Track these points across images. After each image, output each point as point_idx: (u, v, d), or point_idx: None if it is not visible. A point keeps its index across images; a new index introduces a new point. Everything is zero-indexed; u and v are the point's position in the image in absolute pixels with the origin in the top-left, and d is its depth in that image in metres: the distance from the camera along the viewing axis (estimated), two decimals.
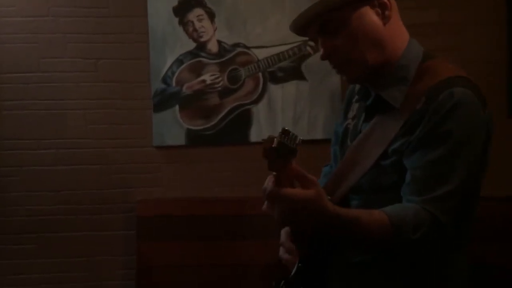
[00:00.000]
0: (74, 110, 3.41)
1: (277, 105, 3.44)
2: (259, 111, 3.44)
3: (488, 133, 1.39)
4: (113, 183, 3.41)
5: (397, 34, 1.45)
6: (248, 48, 3.44)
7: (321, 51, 1.45)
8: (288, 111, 3.43)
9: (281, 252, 1.52)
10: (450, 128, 1.32)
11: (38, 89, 3.39)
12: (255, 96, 3.45)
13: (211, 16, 3.44)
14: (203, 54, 3.44)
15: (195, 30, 3.44)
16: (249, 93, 3.45)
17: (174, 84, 3.43)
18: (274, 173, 1.24)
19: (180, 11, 3.43)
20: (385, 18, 1.42)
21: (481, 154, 1.37)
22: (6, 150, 3.38)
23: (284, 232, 1.54)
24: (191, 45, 3.44)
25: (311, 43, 3.38)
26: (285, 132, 1.20)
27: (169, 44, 3.42)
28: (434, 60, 1.45)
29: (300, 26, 1.46)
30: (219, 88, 3.44)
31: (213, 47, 3.45)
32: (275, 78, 3.44)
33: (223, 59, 3.45)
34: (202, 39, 3.44)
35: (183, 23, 3.43)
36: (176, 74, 3.43)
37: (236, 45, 3.44)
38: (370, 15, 1.41)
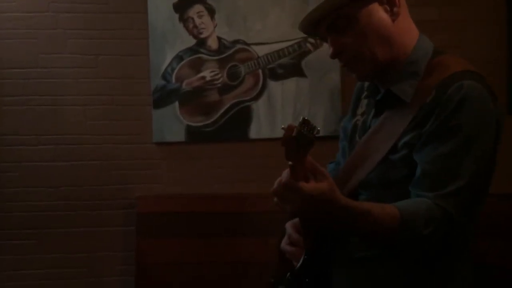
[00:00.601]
0: (73, 106, 3.40)
1: (277, 102, 3.44)
2: (259, 108, 3.44)
3: (498, 126, 1.39)
4: (113, 179, 3.41)
5: (406, 31, 1.45)
6: (248, 44, 3.43)
7: (331, 49, 1.45)
8: (288, 107, 3.43)
9: (284, 243, 1.53)
10: (460, 122, 1.32)
11: (37, 85, 3.38)
12: (255, 93, 3.45)
13: (211, 12, 3.43)
14: (203, 50, 3.44)
15: (195, 26, 3.43)
16: (249, 90, 3.45)
17: (174, 80, 3.42)
18: (290, 163, 1.23)
19: (180, 8, 3.43)
20: (393, 15, 1.42)
21: (492, 147, 1.37)
22: (5, 145, 3.37)
23: (290, 225, 1.55)
24: (191, 41, 3.43)
25: (311, 40, 3.37)
26: (305, 121, 1.21)
27: (169, 40, 3.42)
28: (444, 56, 1.45)
29: (309, 25, 1.46)
30: (219, 85, 3.44)
31: (213, 43, 3.45)
32: (275, 75, 3.44)
33: (223, 55, 3.44)
34: (202, 36, 3.44)
35: (183, 19, 3.43)
36: (176, 71, 3.43)
37: (236, 41, 3.44)
38: (379, 12, 1.41)
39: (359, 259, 1.44)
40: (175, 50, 3.42)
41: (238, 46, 3.44)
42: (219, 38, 3.44)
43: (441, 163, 1.33)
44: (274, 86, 3.44)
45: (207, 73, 3.44)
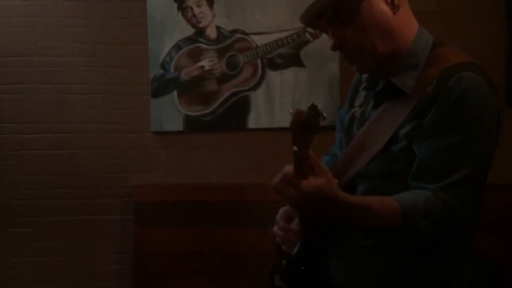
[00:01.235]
0: (72, 94, 3.40)
1: (275, 92, 3.44)
2: (258, 98, 3.44)
3: (499, 118, 1.39)
4: (111, 168, 3.41)
5: (406, 23, 1.46)
6: (247, 34, 3.43)
7: (332, 42, 1.46)
8: (286, 97, 3.43)
9: (275, 228, 1.56)
10: (461, 115, 1.33)
11: (36, 73, 3.37)
12: (254, 83, 3.44)
13: (210, 2, 3.42)
14: (201, 40, 3.43)
15: (194, 15, 3.42)
16: (247, 80, 3.45)
17: (172, 69, 3.42)
18: (295, 148, 1.25)
19: None
20: (394, 7, 1.43)
21: (493, 140, 1.38)
22: (3, 134, 3.37)
23: (280, 212, 1.57)
24: (190, 30, 3.42)
25: (310, 30, 3.37)
26: (313, 107, 1.22)
27: (167, 29, 3.41)
28: (443, 48, 1.46)
29: (310, 17, 1.46)
30: (218, 74, 3.44)
31: (211, 33, 3.44)
32: (273, 65, 3.44)
33: (222, 45, 3.44)
34: (201, 25, 3.43)
35: (182, 8, 3.42)
36: (174, 60, 3.42)
37: (235, 31, 3.43)
38: (380, 4, 1.41)
39: (357, 248, 1.45)
40: (173, 39, 3.41)
41: (237, 35, 3.43)
42: (218, 28, 3.43)
43: (442, 155, 1.33)
44: (273, 76, 3.44)
45: (205, 63, 3.44)
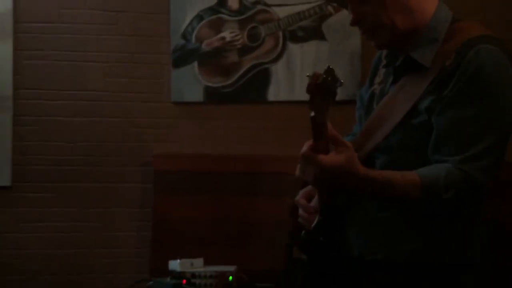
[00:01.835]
0: (93, 62, 3.42)
1: (296, 65, 3.42)
2: (278, 70, 3.44)
3: None
4: (131, 136, 3.44)
5: None
6: (269, 6, 3.41)
7: (351, 17, 1.47)
8: (307, 71, 3.36)
9: (300, 211, 1.56)
10: (479, 87, 1.35)
11: (58, 40, 3.39)
12: (275, 55, 3.43)
13: None
14: (223, 10, 3.42)
15: None
16: (268, 52, 3.44)
17: (193, 40, 3.42)
18: (312, 113, 1.25)
19: None
20: None
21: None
22: (25, 99, 3.41)
23: (301, 191, 1.58)
24: (212, 1, 3.41)
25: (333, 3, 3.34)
26: (329, 70, 1.24)
27: None
28: (462, 22, 1.47)
29: None
30: (239, 46, 3.43)
31: (233, 3, 3.42)
32: (295, 37, 3.42)
33: (243, 16, 3.43)
34: None
35: None
36: (196, 30, 3.42)
37: (257, 2, 3.42)
38: None
39: (375, 219, 1.47)
40: (195, 9, 3.40)
41: (259, 7, 3.42)
42: None
43: (461, 127, 1.35)
44: (294, 49, 3.42)
45: (227, 34, 3.43)
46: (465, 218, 1.44)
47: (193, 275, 2.94)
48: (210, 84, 3.44)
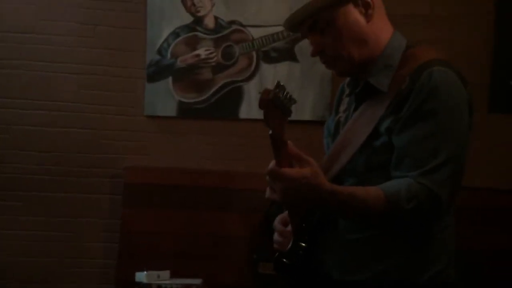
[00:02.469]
0: (68, 73, 3.45)
1: (268, 84, 3.49)
2: (250, 89, 3.51)
3: (470, 108, 1.49)
4: (103, 148, 3.47)
5: (380, 29, 1.56)
6: (244, 26, 3.49)
7: (311, 48, 1.56)
8: None
9: (275, 236, 1.60)
10: (434, 105, 1.43)
11: (33, 50, 3.42)
12: (248, 74, 3.51)
13: None
14: (199, 28, 3.49)
15: (193, 4, 3.48)
16: (241, 70, 3.51)
17: (169, 56, 3.48)
18: (270, 132, 1.30)
19: None
20: (368, 17, 1.53)
21: (466, 128, 1.47)
22: None
23: (278, 217, 1.62)
24: (188, 18, 3.48)
25: None
26: (280, 86, 1.27)
27: (166, 16, 3.46)
28: (415, 48, 1.57)
29: (292, 25, 1.57)
30: (213, 63, 3.50)
31: (209, 22, 3.50)
32: (268, 58, 3.51)
33: (219, 35, 3.50)
34: (199, 14, 3.49)
35: None
36: (171, 46, 3.48)
37: (233, 22, 3.49)
38: (354, 14, 1.52)
39: (348, 241, 1.52)
40: (172, 26, 3.47)
41: (234, 27, 3.50)
42: (216, 18, 3.49)
43: (419, 144, 1.42)
44: (267, 69, 3.51)
45: (202, 51, 3.50)
46: (431, 236, 1.49)
47: (159, 287, 2.98)
48: (183, 100, 3.50)
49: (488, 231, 3.29)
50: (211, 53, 3.50)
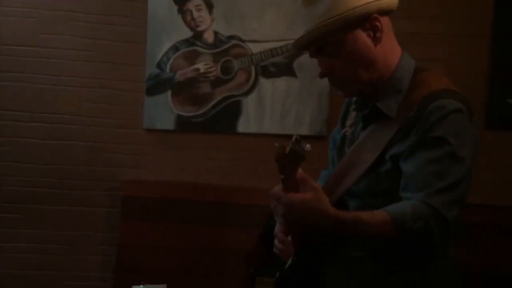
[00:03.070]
0: (69, 87, 3.47)
1: (266, 99, 3.53)
2: (248, 103, 3.53)
3: (476, 140, 1.50)
4: (102, 161, 3.49)
5: (389, 51, 1.55)
6: (243, 41, 3.52)
7: (320, 70, 1.57)
8: (276, 105, 3.52)
9: (276, 242, 1.61)
10: (441, 133, 1.43)
11: (35, 64, 3.45)
12: (246, 89, 3.53)
13: (210, 7, 3.52)
14: (199, 43, 3.52)
15: (193, 19, 3.52)
16: (240, 85, 3.54)
17: (168, 70, 3.51)
18: (282, 176, 1.34)
19: (180, 0, 3.50)
20: (376, 40, 1.52)
21: (472, 155, 1.47)
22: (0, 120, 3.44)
23: (278, 224, 1.62)
24: (188, 33, 3.51)
25: None
26: (297, 140, 1.31)
27: (166, 30, 3.49)
28: (425, 73, 1.56)
29: (301, 47, 1.58)
30: (212, 78, 3.53)
31: (209, 37, 3.53)
32: (266, 73, 3.53)
33: (218, 49, 3.53)
34: (199, 29, 3.52)
35: (182, 11, 3.51)
36: (171, 60, 3.51)
37: (232, 37, 3.52)
38: (362, 37, 1.52)
39: (350, 260, 1.53)
40: (172, 40, 3.50)
41: (234, 41, 3.53)
42: (215, 33, 3.52)
43: (427, 167, 1.42)
44: (265, 84, 3.53)
45: (201, 66, 3.53)
46: (436, 255, 1.51)
47: None
48: (182, 113, 3.52)
49: (482, 248, 3.29)
50: (210, 67, 3.53)
